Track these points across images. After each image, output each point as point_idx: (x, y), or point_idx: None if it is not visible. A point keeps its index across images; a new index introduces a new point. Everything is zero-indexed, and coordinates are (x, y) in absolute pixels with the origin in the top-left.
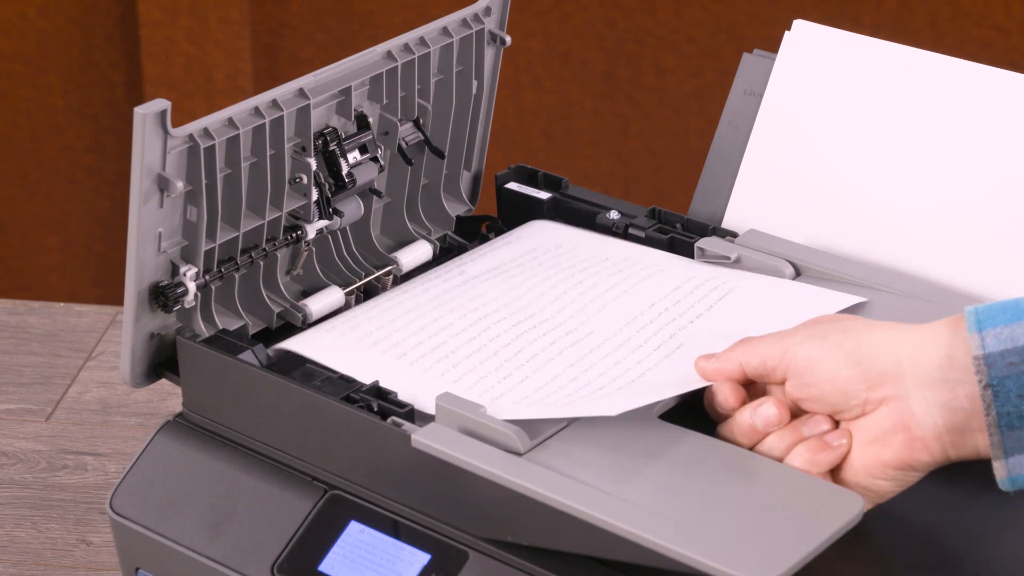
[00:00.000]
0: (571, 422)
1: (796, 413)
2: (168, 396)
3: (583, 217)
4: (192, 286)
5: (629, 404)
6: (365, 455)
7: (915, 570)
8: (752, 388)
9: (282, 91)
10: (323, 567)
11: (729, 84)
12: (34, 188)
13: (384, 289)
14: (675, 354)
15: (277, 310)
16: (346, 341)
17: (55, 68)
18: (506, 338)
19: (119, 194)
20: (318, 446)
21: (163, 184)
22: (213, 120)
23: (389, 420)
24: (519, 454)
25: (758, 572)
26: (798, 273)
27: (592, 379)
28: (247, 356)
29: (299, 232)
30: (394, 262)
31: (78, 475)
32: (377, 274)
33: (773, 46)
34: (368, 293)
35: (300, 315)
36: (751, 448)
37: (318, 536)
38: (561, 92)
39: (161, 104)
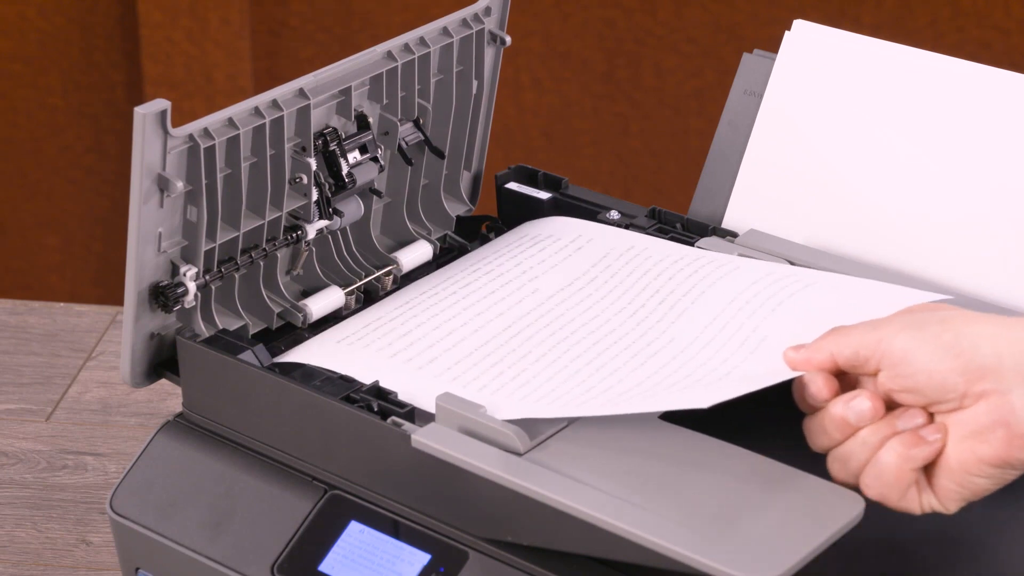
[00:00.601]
0: (571, 422)
1: (889, 405)
2: (168, 396)
3: (583, 217)
4: (192, 286)
5: (720, 396)
6: (365, 455)
7: (916, 569)
8: (842, 379)
9: (282, 91)
10: (323, 567)
11: (729, 84)
12: (34, 188)
13: (384, 289)
14: (761, 347)
15: (277, 310)
16: (404, 362)
17: (55, 68)
18: (588, 357)
19: (119, 194)
20: (318, 446)
21: (163, 184)
22: (213, 120)
23: (389, 420)
24: (519, 454)
25: (758, 572)
26: None
27: (679, 380)
28: (247, 356)
29: (299, 232)
30: (394, 262)
31: (78, 475)
32: (377, 274)
33: (773, 46)
34: (368, 293)
35: (300, 315)
36: (843, 441)
37: (318, 536)
38: (561, 92)
39: (161, 104)
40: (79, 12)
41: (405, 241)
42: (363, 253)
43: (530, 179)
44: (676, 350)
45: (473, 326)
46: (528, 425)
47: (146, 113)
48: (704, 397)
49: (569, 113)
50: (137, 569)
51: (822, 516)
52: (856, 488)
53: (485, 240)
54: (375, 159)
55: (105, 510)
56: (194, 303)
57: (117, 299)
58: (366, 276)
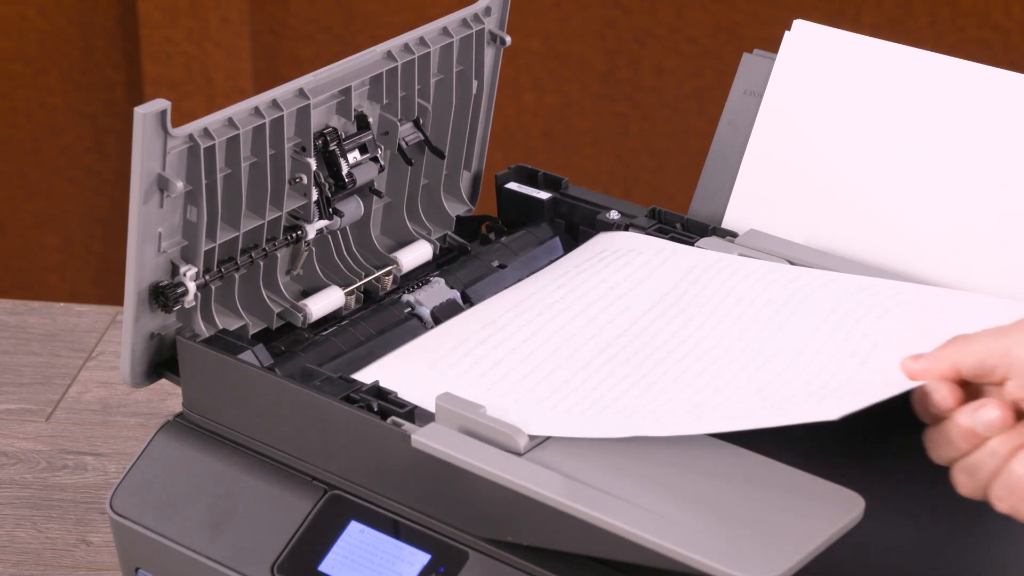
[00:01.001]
0: None
1: (1018, 414)
2: (168, 396)
3: (583, 217)
4: (192, 286)
5: (847, 407)
6: (365, 455)
7: (915, 570)
8: (964, 389)
9: (282, 91)
10: (323, 567)
11: (729, 84)
12: (34, 188)
13: (384, 289)
14: (872, 356)
15: (277, 310)
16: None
17: (55, 68)
18: (692, 375)
19: (119, 194)
20: (318, 446)
21: (163, 184)
22: (213, 120)
23: (389, 420)
24: (519, 454)
25: (758, 572)
26: None
27: (794, 393)
28: (247, 356)
29: (299, 232)
30: (394, 262)
31: (78, 475)
32: (377, 274)
33: (773, 46)
34: (368, 293)
35: (300, 315)
36: (969, 452)
37: (318, 536)
38: (561, 92)
39: (161, 104)
40: (79, 12)
41: (405, 241)
42: (363, 253)
43: (530, 179)
44: (784, 363)
45: (567, 351)
46: (528, 424)
47: (146, 113)
48: (831, 409)
49: (569, 113)
50: (137, 569)
51: (822, 516)
52: (984, 500)
53: (485, 240)
54: (375, 159)
55: (105, 510)
56: (194, 303)
57: (117, 299)
58: (366, 276)
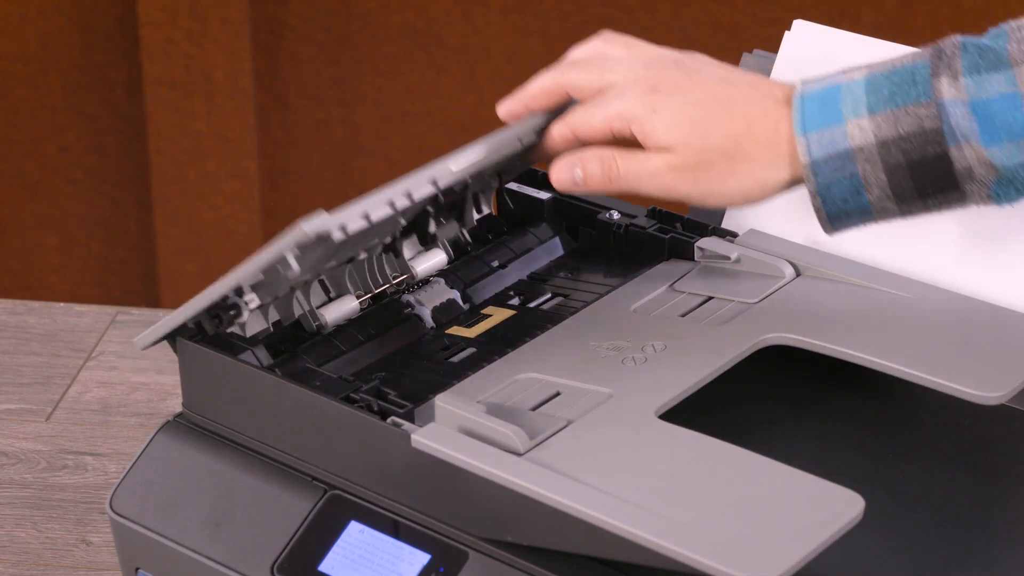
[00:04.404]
0: (569, 422)
1: None
2: (168, 396)
3: (583, 217)
4: (247, 314)
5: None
6: (365, 455)
7: (915, 569)
8: None
9: (415, 181)
10: (323, 567)
11: None
12: (34, 188)
13: (389, 292)
14: None
15: (298, 313)
16: None
17: (55, 68)
18: None
19: (119, 194)
20: (318, 446)
21: (284, 267)
22: (351, 214)
23: (389, 420)
24: (519, 454)
25: (758, 572)
26: (798, 273)
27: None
28: (247, 356)
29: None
30: (410, 270)
31: (78, 475)
32: (394, 283)
33: (773, 46)
34: (375, 299)
35: (316, 323)
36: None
37: (318, 536)
38: None
39: (326, 223)
40: (79, 12)
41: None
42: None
43: (530, 179)
44: None
45: None
46: (528, 425)
47: (308, 231)
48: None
49: None
50: (137, 569)
51: (822, 516)
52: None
53: (485, 240)
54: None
55: (105, 510)
56: (244, 322)
57: (117, 299)
58: (383, 283)
